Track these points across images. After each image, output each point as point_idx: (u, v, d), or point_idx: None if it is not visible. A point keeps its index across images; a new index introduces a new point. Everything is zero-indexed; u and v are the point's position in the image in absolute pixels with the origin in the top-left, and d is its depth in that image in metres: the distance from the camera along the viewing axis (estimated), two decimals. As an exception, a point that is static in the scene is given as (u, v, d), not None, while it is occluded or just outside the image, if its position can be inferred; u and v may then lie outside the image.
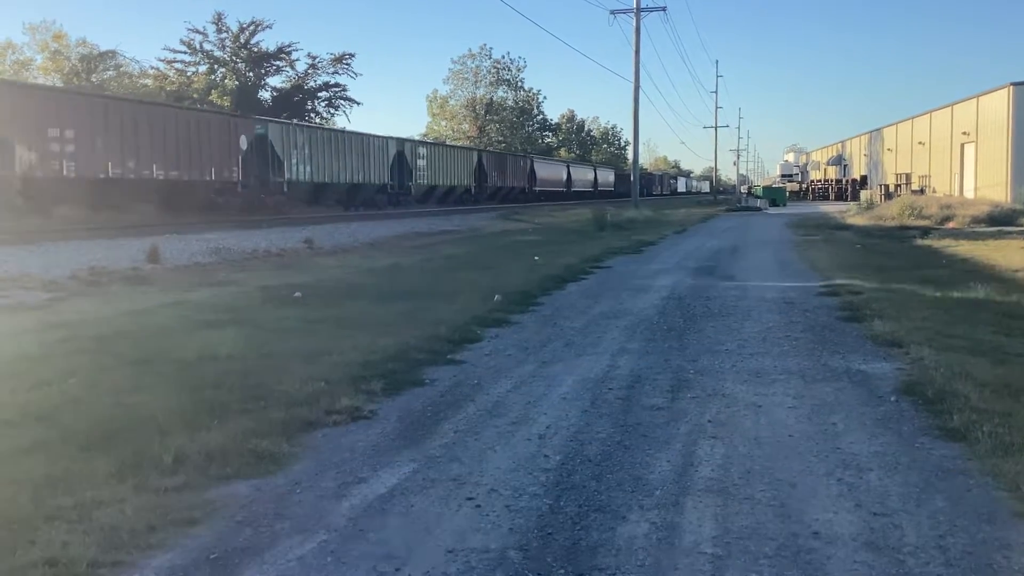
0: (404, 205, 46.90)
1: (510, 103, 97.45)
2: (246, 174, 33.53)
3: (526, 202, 62.63)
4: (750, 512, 4.36)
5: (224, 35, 58.26)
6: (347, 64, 63.15)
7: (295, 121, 42.67)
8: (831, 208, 57.06)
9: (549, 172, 73.97)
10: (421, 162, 49.41)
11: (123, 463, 4.85)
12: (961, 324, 9.65)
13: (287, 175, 36.24)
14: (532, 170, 68.51)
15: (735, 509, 4.40)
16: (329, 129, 43.49)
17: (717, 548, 3.94)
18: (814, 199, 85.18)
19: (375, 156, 44.09)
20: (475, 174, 57.54)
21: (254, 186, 34.30)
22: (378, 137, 45.66)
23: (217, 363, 7.54)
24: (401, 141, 48.42)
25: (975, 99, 52.04)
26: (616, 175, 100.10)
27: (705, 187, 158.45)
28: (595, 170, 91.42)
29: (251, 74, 59.37)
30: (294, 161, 36.71)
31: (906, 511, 4.36)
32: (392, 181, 45.99)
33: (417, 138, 62.80)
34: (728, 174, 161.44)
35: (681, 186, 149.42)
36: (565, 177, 77.81)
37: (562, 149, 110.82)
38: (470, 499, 4.55)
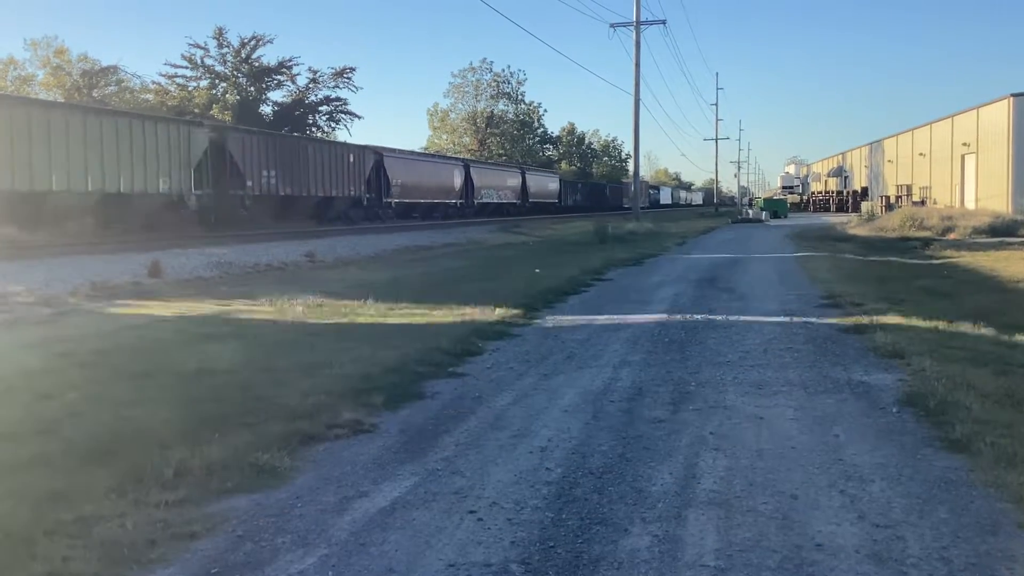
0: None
1: (511, 116, 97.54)
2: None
3: (366, 221, 40.53)
4: (752, 524, 4.34)
5: (225, 50, 58.40)
6: (348, 78, 63.19)
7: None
8: (832, 219, 57.12)
9: (420, 176, 48.03)
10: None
11: (124, 477, 4.84)
12: (963, 336, 9.64)
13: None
14: (381, 173, 43.07)
15: (738, 521, 4.39)
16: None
17: (720, 561, 3.93)
18: (815, 211, 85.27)
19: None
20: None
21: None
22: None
23: (217, 376, 7.54)
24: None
25: (975, 110, 52.14)
26: (563, 183, 78.91)
27: (698, 198, 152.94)
28: (523, 174, 67.07)
29: (252, 88, 59.44)
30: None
31: (909, 522, 4.35)
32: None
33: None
34: (729, 186, 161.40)
35: (665, 197, 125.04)
36: (458, 184, 53.01)
37: (563, 162, 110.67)
38: (472, 512, 4.54)
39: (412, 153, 51.38)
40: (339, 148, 41.17)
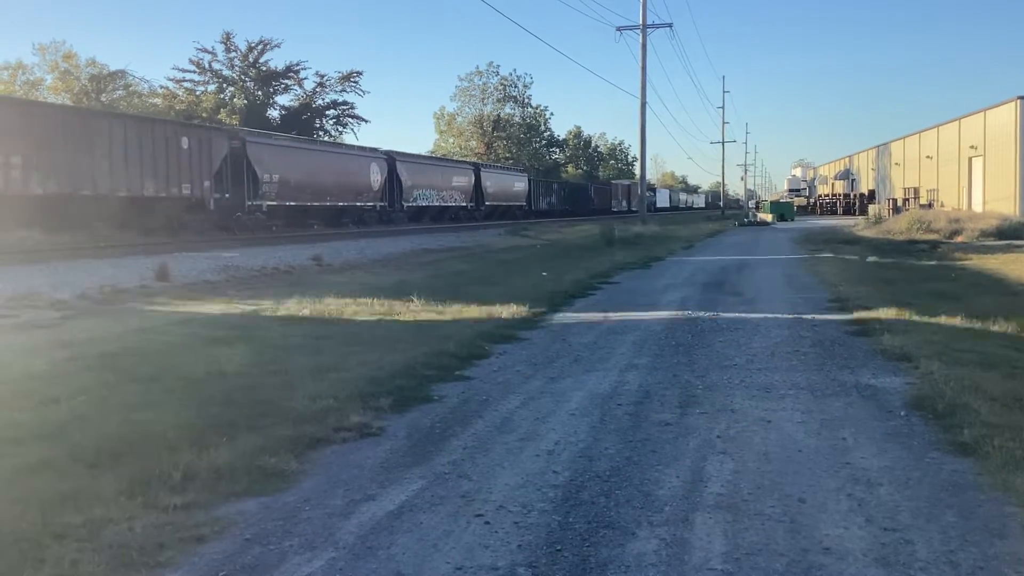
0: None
1: (517, 120, 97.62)
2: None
3: (217, 231, 30.21)
4: (760, 528, 4.34)
5: (233, 54, 58.78)
6: (355, 82, 63.57)
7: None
8: (839, 222, 57.04)
9: (312, 171, 37.02)
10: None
11: (132, 480, 4.85)
12: (970, 338, 9.62)
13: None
14: (245, 165, 32.50)
15: (745, 525, 4.38)
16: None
17: (727, 564, 3.93)
18: (822, 213, 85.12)
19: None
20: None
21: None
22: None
23: (225, 380, 7.55)
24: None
25: (982, 113, 52.02)
26: (533, 182, 67.56)
27: (699, 201, 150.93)
28: (477, 172, 56.05)
29: (260, 93, 59.75)
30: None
31: (917, 526, 4.34)
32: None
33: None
34: (736, 189, 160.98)
35: (662, 200, 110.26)
36: (377, 182, 42.63)
37: (570, 165, 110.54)
38: (479, 516, 4.54)
39: (298, 140, 40.80)
40: (161, 129, 28.86)
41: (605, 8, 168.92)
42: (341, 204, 39.51)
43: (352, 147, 45.65)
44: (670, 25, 47.54)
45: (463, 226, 45.38)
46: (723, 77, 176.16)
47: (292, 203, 35.57)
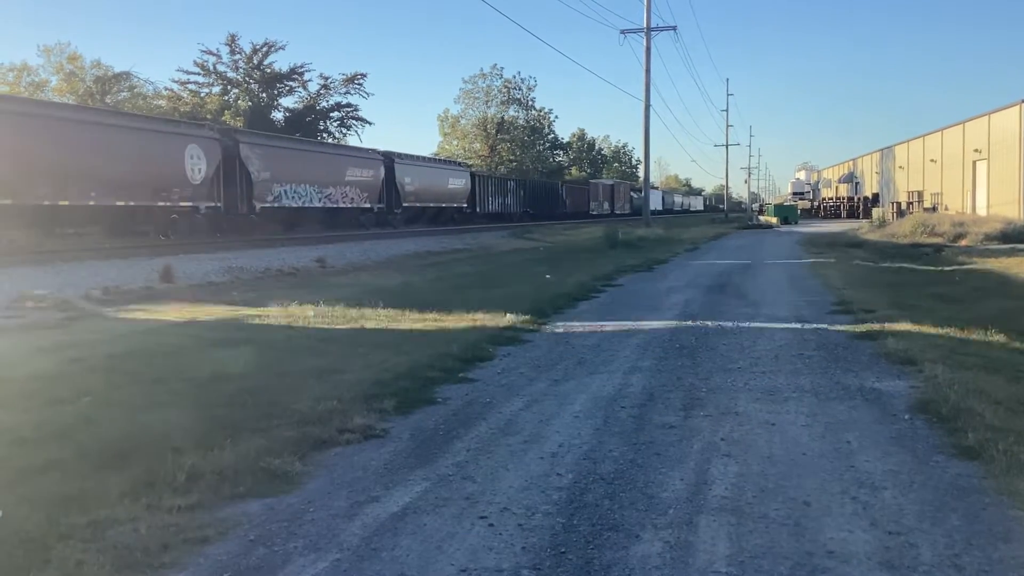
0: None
1: (521, 122, 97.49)
2: None
3: None
4: (764, 531, 4.34)
5: (237, 56, 58.73)
6: (359, 84, 63.50)
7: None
8: (843, 226, 56.97)
9: (46, 152, 22.54)
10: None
11: (137, 482, 4.86)
12: (975, 342, 9.60)
13: None
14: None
15: (749, 528, 4.38)
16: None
17: (731, 567, 3.92)
18: (826, 217, 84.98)
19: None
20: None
21: None
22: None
23: (230, 382, 7.56)
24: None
25: (986, 116, 51.95)
26: (478, 178, 55.59)
27: (698, 204, 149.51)
28: (389, 166, 42.99)
29: (264, 95, 59.77)
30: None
31: (921, 529, 4.33)
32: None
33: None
34: (739, 192, 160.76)
35: (655, 202, 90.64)
36: (201, 173, 29.08)
37: (573, 168, 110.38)
38: (483, 518, 4.54)
39: (27, 101, 28.59)
40: None
41: (608, 11, 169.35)
42: (121, 204, 25.88)
43: (150, 119, 32.57)
44: (674, 28, 47.62)
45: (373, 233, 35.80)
46: (727, 80, 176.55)
47: (5, 201, 21.88)
